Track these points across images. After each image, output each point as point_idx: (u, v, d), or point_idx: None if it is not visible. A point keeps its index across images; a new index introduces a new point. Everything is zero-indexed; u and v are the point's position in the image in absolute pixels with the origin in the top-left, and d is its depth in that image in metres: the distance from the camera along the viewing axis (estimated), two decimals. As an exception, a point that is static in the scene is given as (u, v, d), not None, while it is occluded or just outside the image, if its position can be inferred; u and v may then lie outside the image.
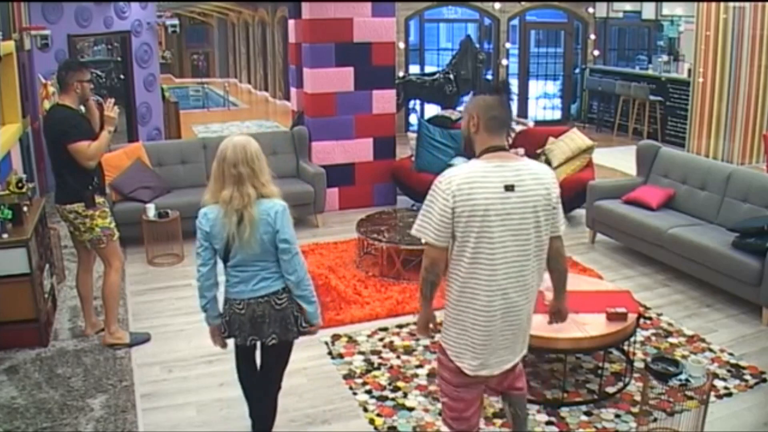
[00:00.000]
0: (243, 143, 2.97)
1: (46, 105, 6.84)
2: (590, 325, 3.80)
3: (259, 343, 3.15)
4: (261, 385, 3.29)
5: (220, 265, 3.10)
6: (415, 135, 7.64)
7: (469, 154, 2.74)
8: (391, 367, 4.24)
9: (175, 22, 10.88)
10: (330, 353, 4.42)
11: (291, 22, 7.90)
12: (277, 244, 2.98)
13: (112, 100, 4.34)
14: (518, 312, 2.64)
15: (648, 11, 13.23)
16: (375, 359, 4.33)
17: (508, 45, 12.90)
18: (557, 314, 3.02)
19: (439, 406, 3.76)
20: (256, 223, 2.93)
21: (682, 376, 3.31)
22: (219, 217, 2.94)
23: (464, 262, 2.58)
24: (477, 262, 2.56)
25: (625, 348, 4.15)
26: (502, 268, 2.56)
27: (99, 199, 4.31)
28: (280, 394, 3.40)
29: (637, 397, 3.80)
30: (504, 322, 2.62)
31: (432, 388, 3.98)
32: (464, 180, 2.53)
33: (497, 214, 2.52)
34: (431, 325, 2.87)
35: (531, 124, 7.96)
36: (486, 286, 2.57)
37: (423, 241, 2.63)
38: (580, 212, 6.85)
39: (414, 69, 12.53)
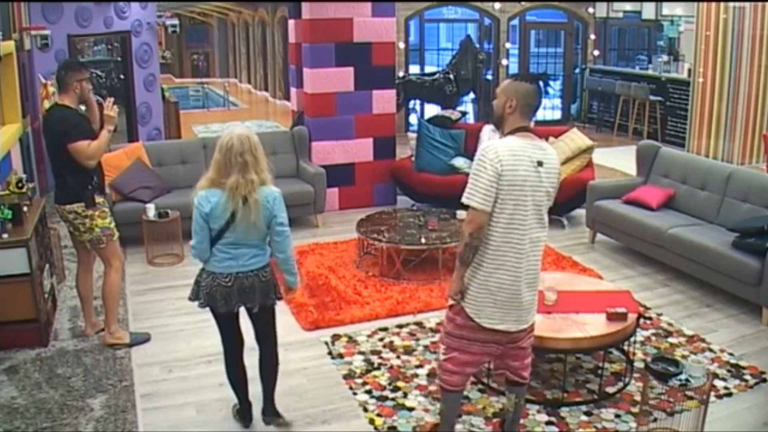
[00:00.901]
0: (247, 134, 3.27)
1: (46, 105, 6.84)
2: (590, 325, 3.80)
3: (247, 315, 3.50)
4: (261, 342, 3.60)
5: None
6: (415, 135, 7.64)
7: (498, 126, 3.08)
8: (391, 367, 4.23)
9: (175, 22, 10.88)
10: (330, 353, 4.42)
11: (291, 22, 7.90)
12: (274, 227, 3.31)
13: (112, 100, 4.34)
14: (535, 273, 3.03)
15: (648, 11, 13.23)
16: (375, 359, 4.33)
17: (508, 45, 12.89)
18: None
19: (440, 405, 3.78)
20: (260, 207, 3.23)
21: (682, 376, 3.31)
22: (222, 201, 3.21)
23: (500, 228, 2.90)
24: (512, 228, 2.90)
25: (625, 348, 4.15)
26: (528, 234, 2.93)
27: (98, 199, 4.31)
28: (280, 393, 3.51)
29: (637, 397, 3.80)
30: (525, 282, 2.97)
31: (432, 388, 3.98)
32: (509, 153, 2.87)
33: (531, 186, 2.90)
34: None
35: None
36: (517, 250, 2.93)
37: (470, 208, 2.90)
38: (580, 212, 6.85)
39: (414, 69, 12.53)
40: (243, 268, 3.32)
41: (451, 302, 3.09)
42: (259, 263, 3.37)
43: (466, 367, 3.15)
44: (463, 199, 2.91)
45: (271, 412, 3.65)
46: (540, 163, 2.91)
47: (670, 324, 4.80)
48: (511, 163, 2.84)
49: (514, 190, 2.86)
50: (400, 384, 4.03)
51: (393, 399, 3.88)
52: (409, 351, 4.44)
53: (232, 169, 3.19)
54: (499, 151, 2.85)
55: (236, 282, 3.32)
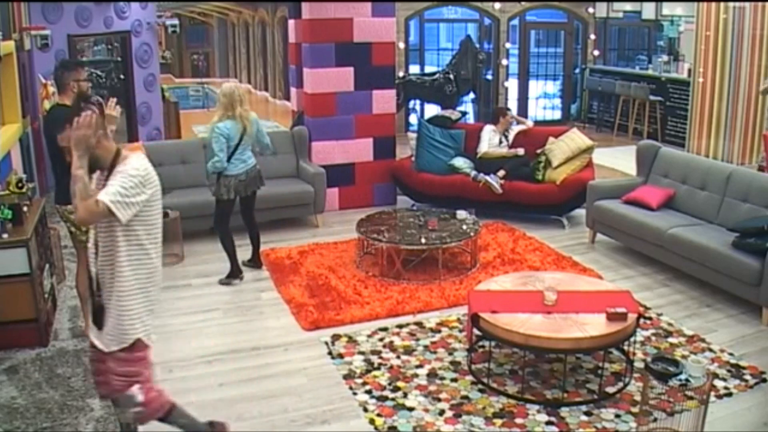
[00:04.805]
0: (237, 85, 5.48)
1: (46, 105, 6.84)
2: (590, 325, 3.80)
3: (242, 202, 5.61)
4: (249, 219, 5.76)
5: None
6: (415, 135, 7.64)
7: (98, 167, 2.89)
8: (391, 367, 4.23)
9: (175, 22, 10.88)
10: (330, 353, 4.42)
11: (291, 22, 7.90)
12: (260, 128, 5.54)
13: (114, 99, 4.33)
14: None
15: (648, 11, 13.22)
16: (375, 359, 4.33)
17: (508, 45, 12.89)
18: None
19: (440, 405, 3.79)
20: (254, 123, 5.41)
21: (682, 376, 3.31)
22: (235, 126, 5.29)
23: (153, 242, 2.91)
24: (158, 241, 2.96)
25: (625, 348, 4.15)
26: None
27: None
28: (280, 393, 3.69)
29: (637, 397, 3.80)
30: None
31: (432, 388, 3.98)
32: (153, 173, 2.89)
33: (160, 198, 2.96)
34: None
35: (531, 124, 7.93)
36: (159, 257, 2.98)
37: (107, 208, 2.72)
38: (580, 212, 6.85)
39: (414, 69, 12.52)
40: (248, 166, 5.45)
41: (117, 347, 2.89)
42: (254, 161, 5.54)
43: (155, 385, 3.12)
44: (111, 205, 2.71)
45: (258, 265, 5.83)
46: None
47: (670, 324, 4.80)
48: (157, 182, 2.89)
49: (159, 205, 2.93)
50: (400, 384, 4.03)
51: (393, 399, 3.88)
52: (409, 351, 4.44)
53: (236, 104, 5.28)
54: (150, 173, 2.85)
55: (248, 176, 5.44)
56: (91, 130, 2.78)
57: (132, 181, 2.76)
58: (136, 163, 2.83)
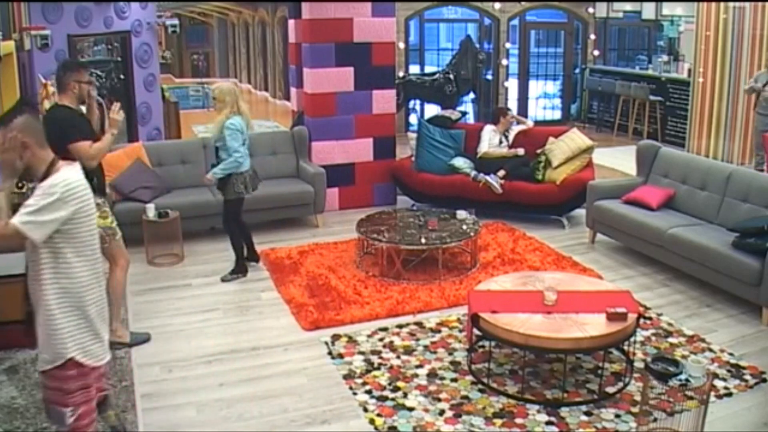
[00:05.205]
0: (234, 83, 5.45)
1: (46, 105, 6.82)
2: (590, 325, 3.80)
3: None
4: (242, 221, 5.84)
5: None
6: (415, 135, 7.64)
7: (31, 177, 2.79)
8: (391, 367, 4.23)
9: (175, 22, 10.86)
10: (330, 353, 4.42)
11: (291, 22, 7.90)
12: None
13: (118, 104, 4.34)
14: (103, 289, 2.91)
15: (648, 11, 13.22)
16: (375, 359, 4.33)
17: (508, 45, 12.89)
18: None
19: (440, 405, 3.79)
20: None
21: (682, 376, 3.31)
22: (243, 122, 5.42)
23: (84, 259, 2.74)
24: (90, 258, 2.78)
25: (625, 348, 4.15)
26: (98, 254, 2.87)
27: (98, 200, 4.29)
28: (281, 393, 3.71)
29: (637, 397, 3.80)
30: (104, 301, 2.87)
31: (432, 388, 3.98)
32: (80, 187, 2.71)
33: (92, 213, 2.83)
34: None
35: (531, 123, 7.93)
36: (97, 274, 2.83)
37: (17, 230, 2.57)
38: (580, 212, 6.85)
39: (414, 69, 12.52)
40: (251, 160, 5.55)
41: (48, 366, 2.75)
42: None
43: (94, 413, 2.94)
44: (21, 227, 2.54)
45: (254, 258, 5.89)
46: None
47: (670, 324, 4.80)
48: (86, 198, 2.73)
49: (90, 220, 2.78)
50: (400, 384, 4.03)
51: (393, 399, 3.88)
52: (409, 351, 4.44)
53: (240, 100, 5.44)
54: (74, 190, 2.66)
55: (252, 171, 5.57)
56: (16, 153, 2.65)
57: (46, 199, 2.57)
58: (57, 178, 2.63)
